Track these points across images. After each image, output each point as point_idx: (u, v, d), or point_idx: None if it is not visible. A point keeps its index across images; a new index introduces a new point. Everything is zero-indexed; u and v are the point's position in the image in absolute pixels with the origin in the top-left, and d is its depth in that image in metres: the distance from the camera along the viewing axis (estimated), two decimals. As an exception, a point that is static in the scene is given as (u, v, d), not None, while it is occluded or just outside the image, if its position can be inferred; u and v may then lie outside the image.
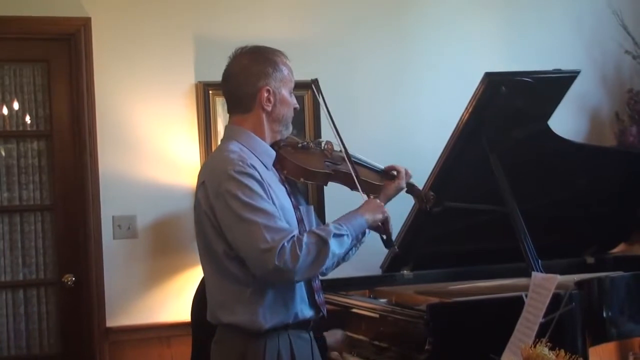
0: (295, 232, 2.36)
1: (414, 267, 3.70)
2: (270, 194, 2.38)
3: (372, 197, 2.59)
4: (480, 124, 3.27)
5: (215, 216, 2.36)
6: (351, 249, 2.55)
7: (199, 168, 3.83)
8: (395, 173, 2.74)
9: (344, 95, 4.38)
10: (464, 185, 3.44)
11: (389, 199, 2.72)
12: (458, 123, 3.29)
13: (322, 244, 2.34)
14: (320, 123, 4.27)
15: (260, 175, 2.38)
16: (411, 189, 2.81)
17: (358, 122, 4.36)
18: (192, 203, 2.49)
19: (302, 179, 2.60)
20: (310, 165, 2.58)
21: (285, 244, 2.28)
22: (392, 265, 3.65)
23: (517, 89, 3.21)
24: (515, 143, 3.39)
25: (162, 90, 4.15)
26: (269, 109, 2.49)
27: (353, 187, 2.64)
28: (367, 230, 2.66)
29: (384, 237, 2.57)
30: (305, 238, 2.33)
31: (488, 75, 3.17)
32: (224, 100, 2.58)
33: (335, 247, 2.37)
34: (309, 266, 2.32)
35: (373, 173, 2.76)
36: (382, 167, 2.79)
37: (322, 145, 2.69)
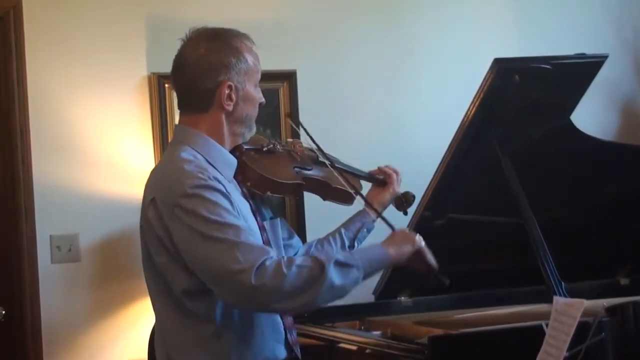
0: (273, 252, 2.32)
1: (413, 292, 3.68)
2: (237, 209, 2.35)
3: (399, 229, 2.57)
4: (489, 120, 3.27)
5: (173, 241, 2.32)
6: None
7: (153, 176, 3.83)
8: (383, 177, 2.83)
9: (329, 88, 4.40)
10: (471, 193, 3.45)
11: (384, 208, 2.81)
12: (463, 120, 3.30)
13: (318, 269, 2.27)
14: (299, 121, 4.25)
15: (225, 188, 2.35)
16: None
17: (346, 119, 4.39)
18: (144, 219, 2.46)
19: (268, 193, 2.58)
20: (278, 176, 2.57)
21: (267, 262, 2.23)
22: (386, 291, 3.63)
23: (533, 78, 3.22)
24: (532, 142, 3.41)
25: (108, 84, 4.14)
26: (230, 108, 2.44)
27: (326, 197, 2.70)
28: (364, 230, 2.78)
29: (431, 276, 2.55)
30: (298, 259, 2.30)
31: (498, 62, 3.17)
32: (181, 95, 2.56)
33: (336, 277, 2.28)
34: (295, 292, 2.25)
35: (353, 178, 2.78)
36: (366, 171, 2.85)
37: (290, 145, 2.71)
